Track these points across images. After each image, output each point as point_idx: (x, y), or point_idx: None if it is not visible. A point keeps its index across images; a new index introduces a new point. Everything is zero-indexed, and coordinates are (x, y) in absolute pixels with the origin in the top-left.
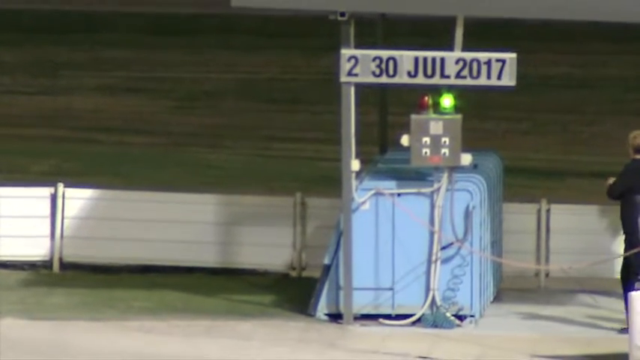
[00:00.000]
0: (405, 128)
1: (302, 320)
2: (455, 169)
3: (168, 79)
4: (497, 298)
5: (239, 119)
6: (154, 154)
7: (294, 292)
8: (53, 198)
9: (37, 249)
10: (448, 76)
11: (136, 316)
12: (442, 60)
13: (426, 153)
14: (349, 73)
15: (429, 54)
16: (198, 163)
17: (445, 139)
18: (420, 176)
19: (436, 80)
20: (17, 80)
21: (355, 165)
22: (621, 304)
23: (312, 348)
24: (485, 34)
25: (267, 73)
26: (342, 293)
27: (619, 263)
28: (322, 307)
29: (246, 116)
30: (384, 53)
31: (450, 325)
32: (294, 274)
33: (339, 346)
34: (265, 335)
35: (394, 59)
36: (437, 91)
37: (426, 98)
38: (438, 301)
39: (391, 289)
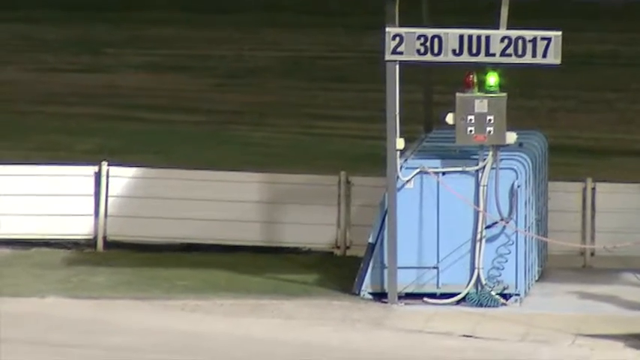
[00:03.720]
0: (450, 107)
1: (346, 299)
2: (500, 147)
3: (211, 57)
4: (542, 276)
5: (283, 97)
6: (197, 132)
7: (338, 270)
8: (97, 176)
9: (81, 227)
10: (493, 54)
11: (180, 295)
12: (487, 38)
13: (470, 131)
14: (394, 52)
15: (474, 32)
16: (241, 142)
17: (490, 118)
18: (464, 155)
19: (481, 58)
20: (60, 58)
21: (400, 143)
22: None
23: (357, 327)
24: (530, 11)
25: (312, 51)
26: (386, 272)
27: None
28: (366, 286)
29: (290, 94)
30: (429, 31)
31: (495, 304)
32: (338, 252)
33: (383, 325)
34: (309, 314)
35: (439, 37)
36: (482, 69)
37: (471, 76)
38: (483, 280)
39: (436, 267)
